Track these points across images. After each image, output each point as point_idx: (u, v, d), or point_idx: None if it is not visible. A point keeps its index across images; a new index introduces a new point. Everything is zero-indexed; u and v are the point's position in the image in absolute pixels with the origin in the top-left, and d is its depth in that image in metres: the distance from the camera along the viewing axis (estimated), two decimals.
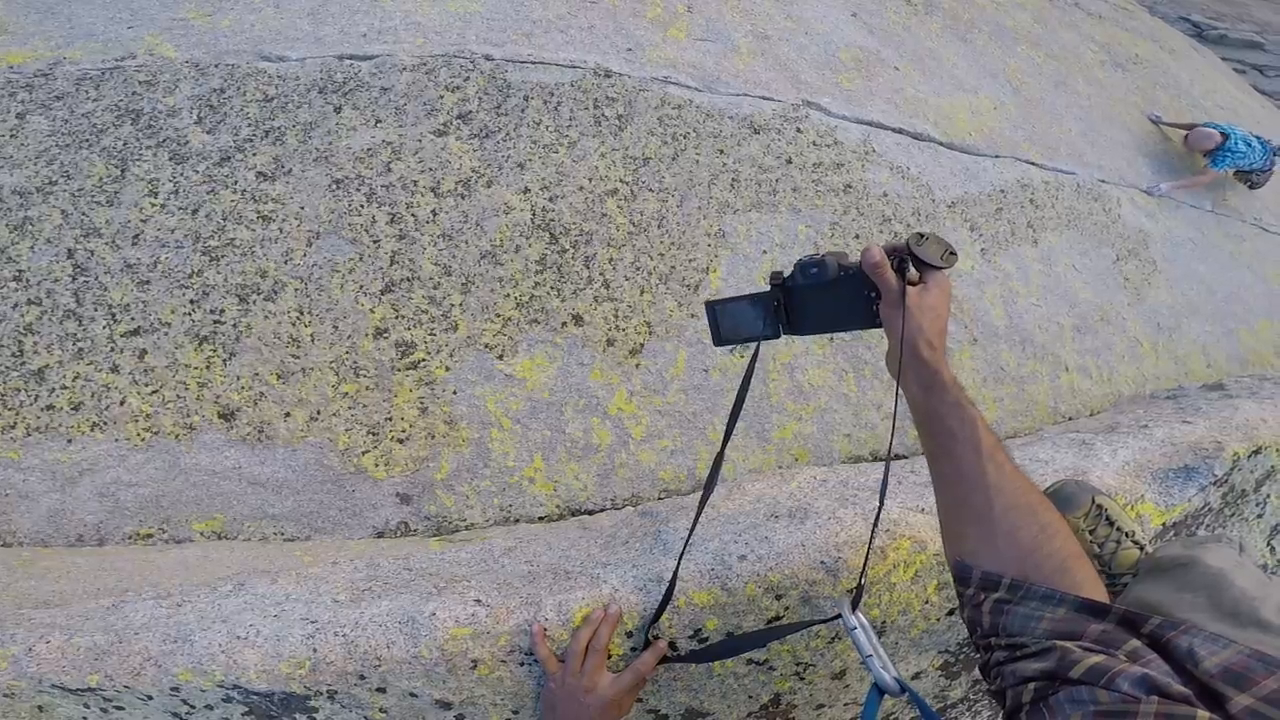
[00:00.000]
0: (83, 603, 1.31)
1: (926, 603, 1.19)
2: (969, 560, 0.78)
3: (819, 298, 0.95)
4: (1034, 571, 0.74)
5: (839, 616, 0.92)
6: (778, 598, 1.10)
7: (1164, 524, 1.46)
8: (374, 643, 1.09)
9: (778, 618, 1.10)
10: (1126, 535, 1.30)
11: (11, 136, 1.89)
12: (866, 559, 0.93)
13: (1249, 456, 1.58)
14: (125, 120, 1.97)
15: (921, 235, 0.86)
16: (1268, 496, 1.70)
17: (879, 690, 0.85)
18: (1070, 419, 2.37)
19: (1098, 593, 0.75)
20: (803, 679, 1.19)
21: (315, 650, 1.10)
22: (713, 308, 1.05)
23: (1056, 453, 1.59)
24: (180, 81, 2.04)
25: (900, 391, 0.90)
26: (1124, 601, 1.02)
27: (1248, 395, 1.92)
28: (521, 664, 1.09)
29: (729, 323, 1.05)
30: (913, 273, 0.86)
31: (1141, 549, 1.30)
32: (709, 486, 1.00)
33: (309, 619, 1.14)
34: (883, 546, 1.12)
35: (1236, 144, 3.53)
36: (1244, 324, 3.26)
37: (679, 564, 1.05)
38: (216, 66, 2.07)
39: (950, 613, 1.23)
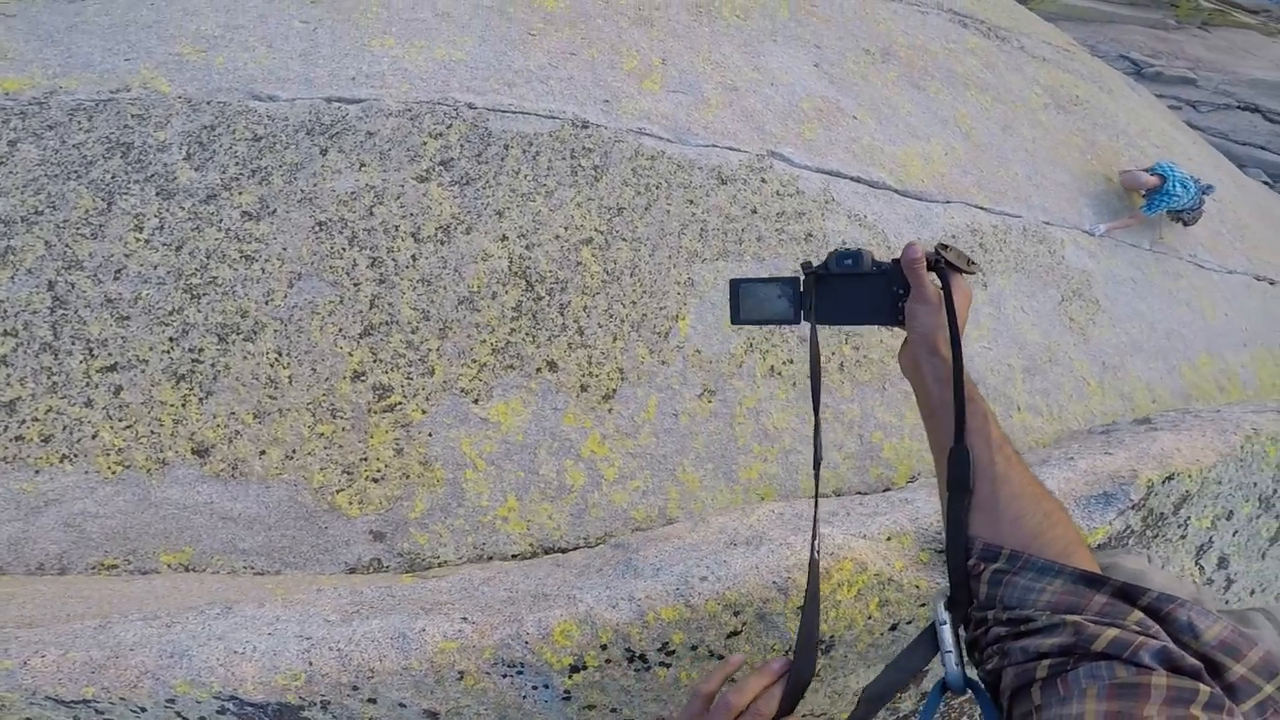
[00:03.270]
0: (58, 625, 1.51)
1: (870, 618, 1.47)
2: (971, 533, 0.88)
3: (848, 289, 1.05)
4: (1038, 555, 0.82)
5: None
6: (735, 614, 1.37)
7: (1089, 545, 1.78)
8: (367, 656, 1.33)
9: (736, 632, 1.37)
10: None
11: (0, 164, 2.13)
12: (948, 550, 0.94)
13: (1162, 482, 1.91)
14: (115, 153, 2.21)
15: (944, 245, 0.99)
16: (1188, 519, 2.03)
17: (943, 686, 0.91)
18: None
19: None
20: None
21: (311, 663, 1.33)
22: (736, 286, 1.12)
23: None
24: (172, 117, 2.30)
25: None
26: None
27: (1169, 427, 2.28)
28: (504, 675, 1.34)
29: (750, 303, 1.11)
30: (935, 278, 0.99)
31: None
32: (817, 448, 1.06)
33: (303, 635, 1.37)
34: (827, 568, 1.40)
35: (1174, 186, 4.01)
36: (1185, 360, 3.67)
37: (815, 509, 1.08)
38: (209, 103, 2.34)
39: (893, 628, 1.51)
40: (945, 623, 0.89)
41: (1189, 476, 2.04)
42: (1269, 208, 5.79)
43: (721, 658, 1.39)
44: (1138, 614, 0.74)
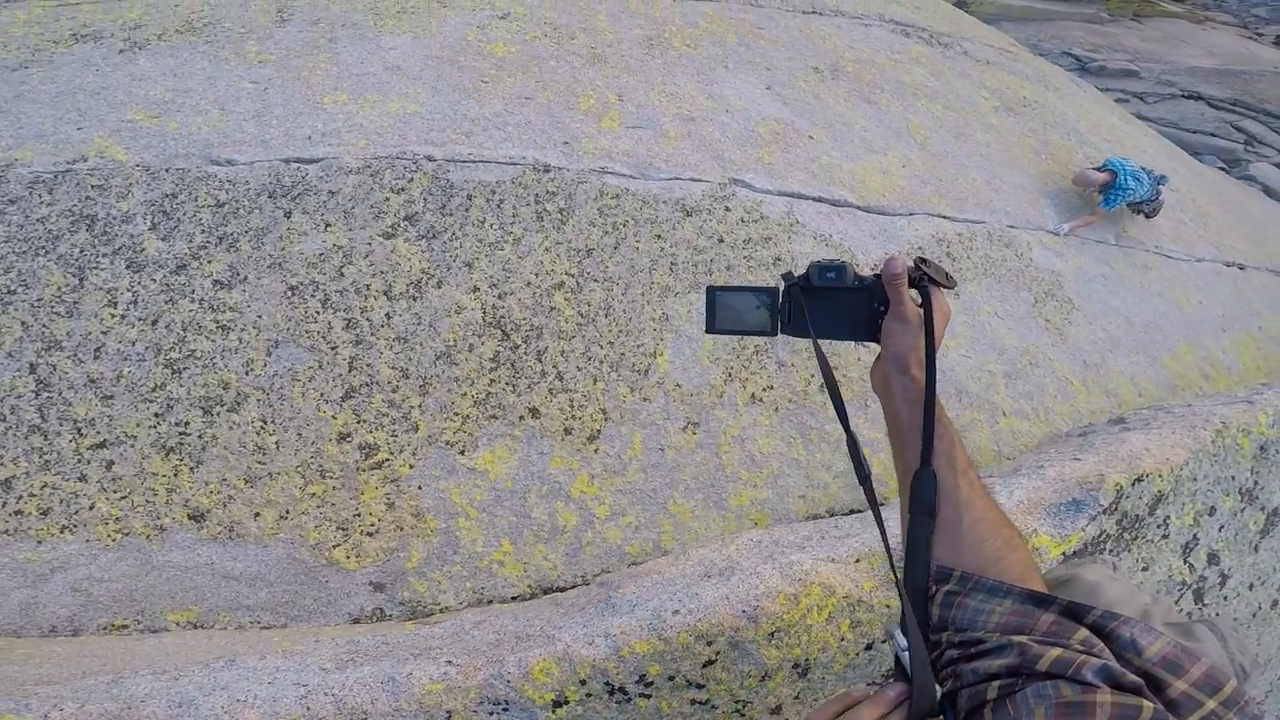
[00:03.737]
0: (73, 682, 1.66)
1: (843, 639, 1.63)
2: (929, 556, 0.93)
3: (827, 303, 1.07)
4: (995, 578, 0.87)
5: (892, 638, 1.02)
6: (708, 644, 1.53)
7: (1063, 554, 1.93)
8: (359, 700, 1.48)
9: (711, 661, 1.53)
10: None
11: None
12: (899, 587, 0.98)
13: (1132, 485, 2.05)
14: (81, 226, 2.34)
15: (924, 260, 1.02)
16: (1167, 518, 2.17)
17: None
18: (1011, 459, 2.86)
19: None
20: (743, 715, 1.60)
21: (308, 709, 1.48)
22: (713, 293, 1.13)
23: None
24: (133, 186, 2.43)
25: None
26: None
27: (1141, 427, 2.42)
28: (491, 713, 1.49)
29: (727, 313, 1.12)
30: (914, 293, 1.03)
31: None
32: (860, 468, 1.10)
33: (300, 683, 1.52)
34: (795, 594, 1.56)
35: (1126, 180, 4.19)
36: (1166, 350, 3.83)
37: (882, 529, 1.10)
38: (167, 170, 2.47)
39: (868, 647, 1.66)
40: (906, 650, 0.92)
41: (1159, 476, 2.17)
42: (1227, 193, 6.01)
43: (701, 686, 1.55)
44: (1084, 632, 0.79)
